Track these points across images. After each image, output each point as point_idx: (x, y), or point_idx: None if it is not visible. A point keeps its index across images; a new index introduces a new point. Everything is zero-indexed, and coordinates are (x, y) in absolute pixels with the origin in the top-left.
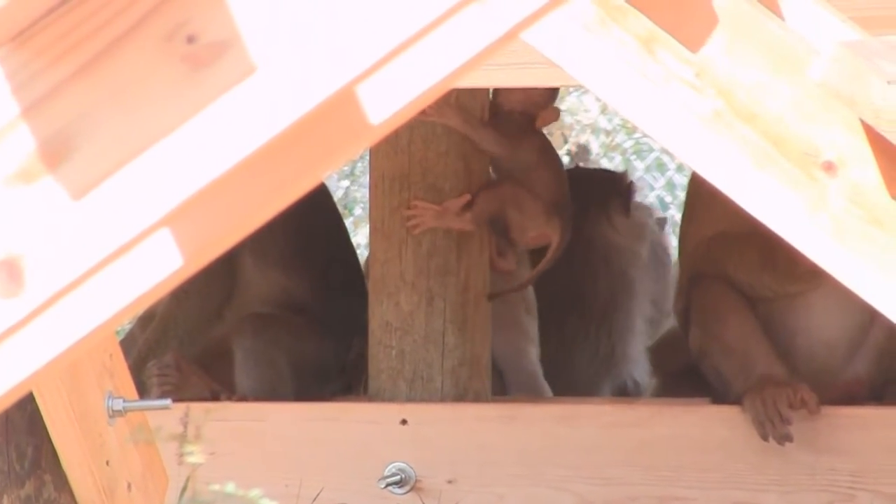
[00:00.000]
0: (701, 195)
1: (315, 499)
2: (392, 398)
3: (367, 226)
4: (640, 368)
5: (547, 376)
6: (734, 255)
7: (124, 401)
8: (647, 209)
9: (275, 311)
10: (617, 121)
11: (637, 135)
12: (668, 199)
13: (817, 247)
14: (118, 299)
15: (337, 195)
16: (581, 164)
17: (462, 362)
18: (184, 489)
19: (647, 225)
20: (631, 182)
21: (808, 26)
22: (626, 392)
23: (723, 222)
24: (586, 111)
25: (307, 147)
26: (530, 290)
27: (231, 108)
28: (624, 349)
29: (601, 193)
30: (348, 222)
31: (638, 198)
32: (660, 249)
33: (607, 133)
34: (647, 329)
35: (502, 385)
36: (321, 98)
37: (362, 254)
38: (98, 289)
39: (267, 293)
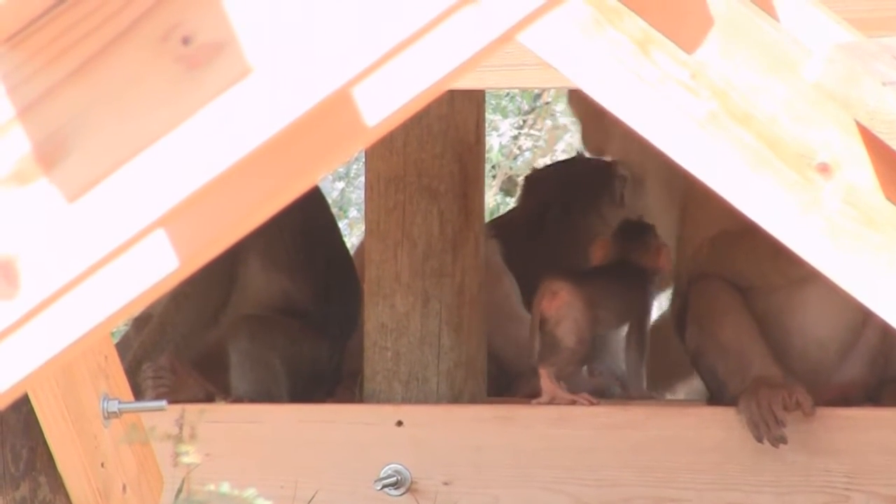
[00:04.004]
0: (698, 196)
1: (310, 500)
2: (388, 399)
3: (363, 227)
4: (619, 361)
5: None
6: (743, 248)
7: (119, 402)
8: None
9: (271, 313)
10: None
11: None
12: None
13: (811, 247)
14: (114, 301)
15: (332, 196)
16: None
17: (457, 364)
18: (179, 490)
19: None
20: (622, 174)
21: (803, 28)
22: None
23: (723, 221)
24: None
25: (303, 148)
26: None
27: (227, 110)
28: (604, 343)
29: (591, 185)
30: (343, 224)
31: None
32: None
33: None
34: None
35: (497, 386)
36: (317, 99)
37: None
38: (94, 290)
39: (268, 296)
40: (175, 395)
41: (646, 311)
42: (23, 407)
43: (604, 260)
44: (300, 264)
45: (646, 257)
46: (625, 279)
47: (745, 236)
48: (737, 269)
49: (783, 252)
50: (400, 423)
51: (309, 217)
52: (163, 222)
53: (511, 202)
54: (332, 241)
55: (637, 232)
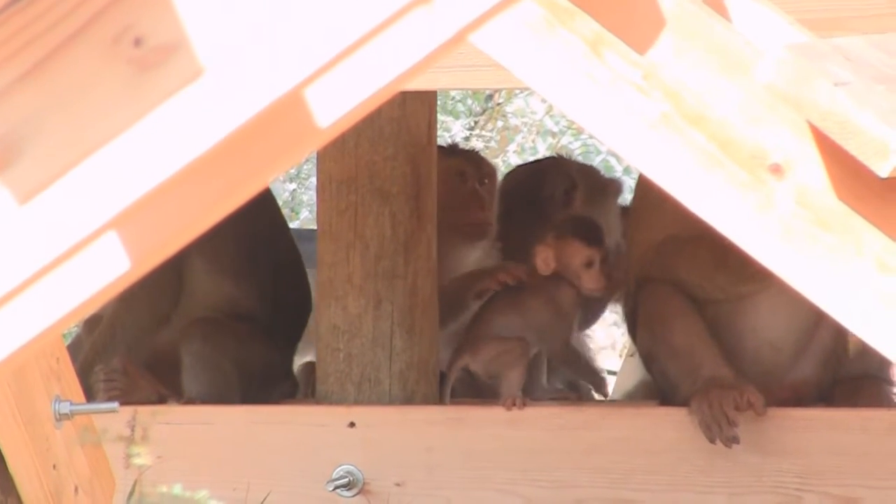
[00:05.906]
0: (648, 200)
1: (262, 502)
2: (340, 401)
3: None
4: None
5: None
6: (686, 258)
7: (71, 404)
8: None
9: (221, 316)
10: (563, 122)
11: (584, 136)
12: None
13: (764, 248)
14: (65, 303)
15: (283, 198)
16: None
17: (410, 365)
18: (131, 492)
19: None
20: (570, 176)
21: (755, 29)
22: (576, 386)
23: (672, 226)
24: (533, 113)
25: (255, 150)
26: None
27: (178, 112)
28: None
29: (536, 186)
30: (294, 225)
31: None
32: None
33: (554, 135)
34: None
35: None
36: (269, 101)
37: None
38: (45, 292)
39: (214, 300)
40: (127, 397)
41: (569, 331)
42: None
43: (546, 268)
44: (245, 269)
45: (582, 277)
46: (550, 302)
47: (687, 246)
48: (679, 278)
49: (723, 268)
50: (352, 425)
51: (256, 220)
52: (115, 224)
53: None
54: (280, 245)
55: (583, 228)
